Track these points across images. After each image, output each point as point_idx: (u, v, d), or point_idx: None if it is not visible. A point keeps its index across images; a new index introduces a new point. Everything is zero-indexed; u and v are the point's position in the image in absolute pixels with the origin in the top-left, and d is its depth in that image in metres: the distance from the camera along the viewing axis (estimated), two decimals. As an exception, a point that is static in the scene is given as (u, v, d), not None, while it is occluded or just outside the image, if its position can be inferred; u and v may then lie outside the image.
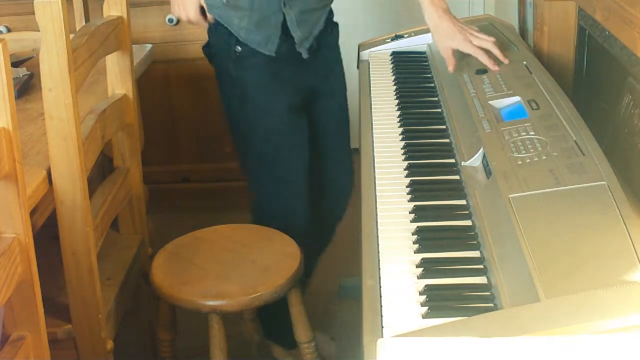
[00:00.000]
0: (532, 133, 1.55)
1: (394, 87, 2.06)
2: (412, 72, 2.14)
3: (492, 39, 1.96)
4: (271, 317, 2.16)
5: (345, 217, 2.35)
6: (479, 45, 1.93)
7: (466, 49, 1.94)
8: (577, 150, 1.45)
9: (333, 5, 2.21)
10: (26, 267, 1.33)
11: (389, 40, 2.34)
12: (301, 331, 1.93)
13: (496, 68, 1.87)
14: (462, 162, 1.59)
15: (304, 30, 2.04)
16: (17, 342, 1.35)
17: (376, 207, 1.51)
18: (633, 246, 1.17)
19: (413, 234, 1.40)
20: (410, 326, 1.15)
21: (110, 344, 1.82)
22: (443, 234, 1.41)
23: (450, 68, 1.95)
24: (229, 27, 2.02)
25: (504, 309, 1.16)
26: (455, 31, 1.96)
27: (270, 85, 2.06)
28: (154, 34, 3.04)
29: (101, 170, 2.13)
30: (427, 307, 1.20)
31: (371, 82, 2.11)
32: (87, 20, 2.55)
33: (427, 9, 2.01)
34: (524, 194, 1.35)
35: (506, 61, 1.90)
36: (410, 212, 1.48)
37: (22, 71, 2.20)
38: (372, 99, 2.00)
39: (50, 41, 1.59)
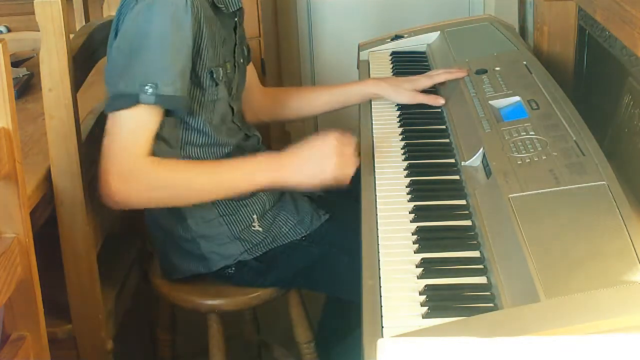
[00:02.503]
0: (532, 133, 1.55)
1: (394, 87, 2.05)
2: (411, 72, 2.13)
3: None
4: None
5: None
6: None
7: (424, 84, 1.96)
8: (577, 150, 1.45)
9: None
10: (26, 267, 1.33)
11: (388, 40, 2.34)
12: (301, 331, 1.93)
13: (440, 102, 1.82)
14: (462, 162, 1.59)
15: None
16: (17, 342, 1.35)
17: (376, 207, 1.51)
18: (633, 246, 1.17)
19: (413, 234, 1.40)
20: (410, 326, 1.15)
21: (110, 344, 1.82)
22: (443, 234, 1.41)
23: (439, 102, 1.91)
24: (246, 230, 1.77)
25: (504, 309, 1.16)
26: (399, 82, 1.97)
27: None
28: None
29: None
30: (427, 307, 1.20)
31: (371, 82, 2.11)
32: (87, 20, 2.54)
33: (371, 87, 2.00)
34: (524, 194, 1.35)
35: (464, 73, 1.85)
36: (410, 212, 1.48)
37: (22, 71, 2.20)
38: (372, 99, 2.00)
39: (50, 41, 1.59)
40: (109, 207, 1.61)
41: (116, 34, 1.63)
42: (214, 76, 1.66)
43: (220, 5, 1.68)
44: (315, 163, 1.61)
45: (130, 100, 1.53)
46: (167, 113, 1.61)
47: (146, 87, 1.52)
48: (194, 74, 1.62)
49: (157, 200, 1.63)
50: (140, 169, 1.55)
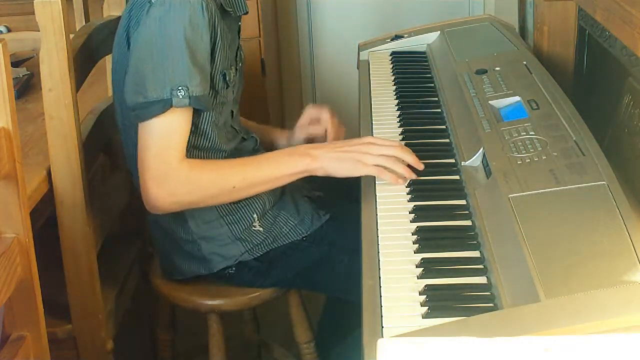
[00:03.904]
0: (532, 133, 1.55)
1: (394, 87, 2.06)
2: (411, 72, 2.14)
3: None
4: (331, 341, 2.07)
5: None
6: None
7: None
8: (577, 150, 1.45)
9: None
10: (26, 267, 1.33)
11: (388, 40, 2.34)
12: (301, 331, 1.93)
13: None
14: (462, 162, 1.59)
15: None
16: (17, 342, 1.35)
17: (376, 207, 1.51)
18: (633, 246, 1.17)
19: (413, 234, 1.40)
20: (410, 326, 1.15)
21: (110, 344, 1.82)
22: (443, 234, 1.41)
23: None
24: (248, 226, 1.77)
25: (504, 309, 1.16)
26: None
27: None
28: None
29: (101, 170, 2.13)
30: (427, 307, 1.20)
31: (371, 82, 2.11)
32: (87, 20, 2.54)
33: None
34: (524, 194, 1.35)
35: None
36: (410, 212, 1.48)
37: (22, 71, 2.20)
38: (372, 99, 2.00)
39: (50, 41, 1.59)
40: (152, 212, 1.65)
41: (127, 36, 1.64)
42: (227, 78, 1.68)
43: (229, 9, 1.69)
44: (345, 146, 1.63)
45: (163, 105, 1.55)
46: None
47: (178, 91, 1.54)
48: (209, 77, 1.63)
49: (196, 201, 1.64)
50: (177, 172, 1.57)
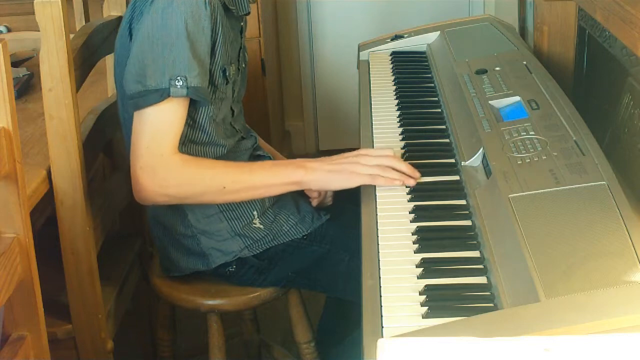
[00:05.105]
0: (532, 133, 1.55)
1: (394, 87, 2.06)
2: (412, 72, 2.14)
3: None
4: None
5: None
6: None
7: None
8: (577, 150, 1.45)
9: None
10: (26, 267, 1.33)
11: (388, 40, 2.34)
12: (301, 331, 1.93)
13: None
14: (462, 162, 1.59)
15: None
16: (17, 342, 1.35)
17: (376, 207, 1.51)
18: (633, 246, 1.17)
19: (413, 234, 1.40)
20: (410, 326, 1.15)
21: (110, 344, 1.82)
22: (443, 234, 1.41)
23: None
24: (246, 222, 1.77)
25: (504, 309, 1.16)
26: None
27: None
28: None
29: (101, 170, 2.13)
30: (427, 307, 1.20)
31: (371, 82, 2.12)
32: (87, 20, 2.54)
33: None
34: (524, 194, 1.35)
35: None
36: (410, 212, 1.48)
37: (22, 71, 2.20)
38: (372, 99, 2.00)
39: (50, 41, 1.59)
40: (141, 203, 1.65)
41: (130, 28, 1.65)
42: (227, 74, 1.68)
43: (232, 7, 1.70)
44: (339, 159, 1.64)
45: (161, 94, 1.56)
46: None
47: (176, 81, 1.55)
48: (208, 70, 1.64)
49: (185, 196, 1.65)
50: (168, 164, 1.58)
